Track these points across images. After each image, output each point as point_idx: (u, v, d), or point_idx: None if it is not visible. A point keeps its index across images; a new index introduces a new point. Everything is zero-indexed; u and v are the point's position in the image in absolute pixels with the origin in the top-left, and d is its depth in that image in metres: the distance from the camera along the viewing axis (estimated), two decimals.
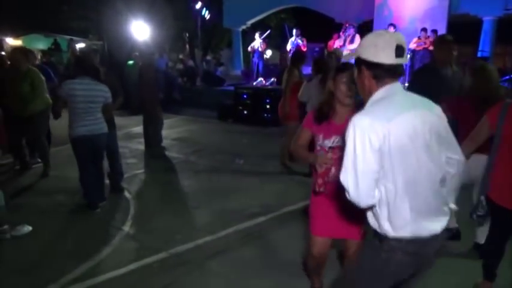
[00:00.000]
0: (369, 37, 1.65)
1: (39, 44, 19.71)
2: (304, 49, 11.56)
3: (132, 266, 3.14)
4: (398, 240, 1.62)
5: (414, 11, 11.55)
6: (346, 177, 1.58)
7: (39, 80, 5.11)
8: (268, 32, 12.30)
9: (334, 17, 13.72)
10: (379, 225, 1.65)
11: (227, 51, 22.51)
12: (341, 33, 10.94)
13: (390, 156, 1.53)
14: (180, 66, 15.30)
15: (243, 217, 4.03)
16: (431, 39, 9.74)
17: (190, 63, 14.62)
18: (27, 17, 21.41)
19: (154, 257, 3.27)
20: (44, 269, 3.12)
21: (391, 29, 9.49)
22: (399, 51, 1.58)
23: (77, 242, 3.58)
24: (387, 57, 1.58)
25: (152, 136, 6.76)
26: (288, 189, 4.94)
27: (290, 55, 11.66)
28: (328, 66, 4.96)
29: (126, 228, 3.81)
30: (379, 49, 1.59)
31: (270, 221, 3.99)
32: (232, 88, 10.39)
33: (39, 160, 5.55)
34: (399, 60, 1.60)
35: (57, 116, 4.19)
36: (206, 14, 14.79)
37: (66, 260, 3.23)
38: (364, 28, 12.40)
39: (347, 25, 10.86)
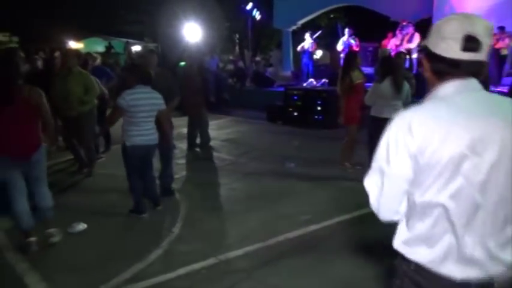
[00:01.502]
0: (440, 21, 1.30)
1: (98, 46, 20.76)
2: (357, 49, 11.15)
3: (181, 271, 3.07)
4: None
5: (478, 7, 10.70)
6: (370, 181, 1.34)
7: (90, 82, 5.24)
8: (319, 32, 12.02)
9: (389, 15, 13.08)
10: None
11: (276, 52, 22.41)
12: (397, 32, 10.42)
13: (429, 168, 1.20)
14: (229, 67, 15.42)
15: (294, 224, 3.85)
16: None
17: (240, 64, 14.67)
18: (88, 22, 22.70)
19: (203, 262, 3.19)
20: (96, 268, 3.14)
21: None
22: (470, 43, 1.19)
23: (127, 243, 3.60)
24: (448, 49, 1.22)
25: (201, 137, 6.76)
26: (341, 195, 4.68)
27: (343, 55, 11.33)
28: (398, 66, 4.66)
29: (176, 230, 3.78)
30: (440, 38, 1.24)
31: (323, 230, 3.77)
32: (282, 89, 10.22)
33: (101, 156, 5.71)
34: (468, 56, 1.20)
35: (112, 125, 4.22)
36: (257, 15, 14.72)
37: (117, 260, 3.24)
38: (422, 26, 11.73)
39: (404, 23, 10.31)
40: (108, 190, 4.88)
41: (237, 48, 20.72)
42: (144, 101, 3.87)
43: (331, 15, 19.70)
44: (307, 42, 11.15)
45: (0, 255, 3.37)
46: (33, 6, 20.04)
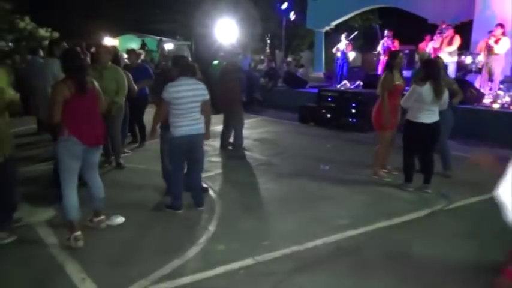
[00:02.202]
0: None
1: (133, 43, 21.19)
2: None
3: (218, 270, 3.06)
4: None
5: None
6: (507, 192, 1.26)
7: (122, 77, 5.30)
8: (355, 33, 11.81)
9: (427, 18, 12.71)
10: None
11: (307, 53, 22.25)
12: (436, 35, 10.08)
13: None
14: (261, 66, 15.41)
15: (331, 229, 3.77)
16: None
17: (273, 64, 14.63)
18: (123, 19, 23.26)
19: (241, 262, 3.16)
20: (134, 262, 3.17)
21: (499, 30, 8.48)
22: None
23: (164, 238, 3.62)
24: None
25: (235, 137, 6.75)
26: (378, 201, 4.56)
27: (382, 58, 11.09)
28: (440, 71, 4.49)
29: (212, 228, 3.77)
30: None
31: (361, 236, 3.67)
32: (314, 90, 10.12)
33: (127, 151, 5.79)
34: None
35: (160, 119, 4.17)
36: (291, 15, 14.64)
37: (155, 255, 3.26)
38: (462, 30, 11.32)
39: (444, 26, 9.97)
40: (141, 185, 4.94)
41: (267, 48, 20.70)
42: (187, 93, 3.89)
43: (367, 17, 19.34)
44: (342, 43, 10.98)
45: (42, 244, 3.46)
46: (71, 3, 20.72)
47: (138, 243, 3.51)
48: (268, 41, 20.38)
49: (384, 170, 5.27)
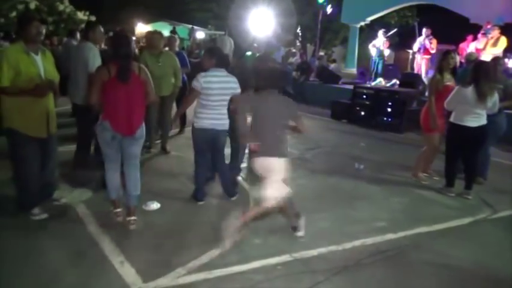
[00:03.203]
0: None
1: (164, 30, 21.32)
2: (433, 51, 10.52)
3: (256, 264, 3.01)
4: None
5: None
6: None
7: (176, 62, 5.31)
8: (394, 30, 11.46)
9: (469, 17, 12.21)
10: None
11: (339, 48, 21.87)
12: (480, 35, 9.67)
13: None
14: (292, 59, 15.20)
15: (370, 230, 3.66)
16: None
17: (305, 57, 14.41)
18: (156, 6, 23.46)
19: (278, 258, 3.11)
20: (170, 249, 3.16)
21: None
22: None
23: (200, 227, 3.60)
24: None
25: None
26: (417, 205, 4.41)
27: (419, 55, 10.75)
28: (489, 73, 4.26)
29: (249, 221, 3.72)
30: None
31: (401, 241, 3.55)
32: (348, 86, 9.90)
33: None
34: None
35: (187, 106, 4.17)
36: (328, 8, 14.36)
37: (191, 244, 3.25)
38: (507, 31, 10.80)
39: (489, 26, 9.54)
40: (177, 173, 4.94)
41: (297, 41, 20.44)
42: (218, 84, 3.82)
43: (404, 13, 18.79)
44: (380, 40, 10.67)
45: (81, 223, 3.49)
46: None
47: (173, 231, 3.50)
48: (300, 34, 20.12)
49: (424, 174, 5.08)
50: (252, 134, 3.24)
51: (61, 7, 15.52)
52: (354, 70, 14.79)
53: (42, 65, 3.34)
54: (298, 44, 20.45)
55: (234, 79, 3.95)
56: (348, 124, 8.65)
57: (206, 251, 3.12)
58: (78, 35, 8.07)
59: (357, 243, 3.42)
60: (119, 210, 3.52)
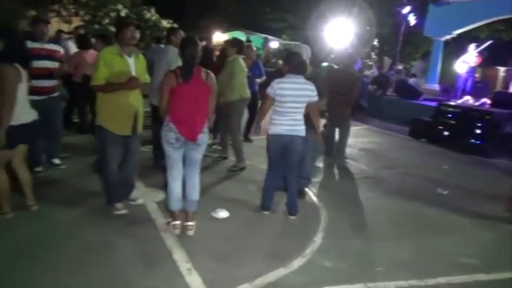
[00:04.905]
0: None
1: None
2: None
3: None
4: None
5: None
6: None
7: (239, 70, 5.28)
8: (489, 42, 10.47)
9: None
10: None
11: (419, 62, 20.63)
12: None
13: None
14: (368, 72, 14.65)
15: (456, 266, 3.26)
16: None
17: (383, 70, 13.80)
18: (233, 15, 24.17)
19: (351, 286, 2.87)
20: (238, 262, 3.07)
21: None
22: None
23: (268, 241, 3.47)
24: None
25: (340, 144, 6.38)
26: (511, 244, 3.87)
27: None
28: None
29: (318, 240, 3.52)
30: None
31: (494, 284, 3.11)
32: (430, 103, 9.23)
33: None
34: None
35: (263, 114, 4.07)
36: (412, 20, 13.62)
37: (259, 259, 3.13)
38: None
39: None
40: (245, 181, 4.88)
41: (372, 54, 19.67)
42: (292, 91, 3.70)
43: (496, 27, 17.22)
44: (471, 55, 9.82)
45: (153, 225, 3.55)
46: None
47: (242, 242, 3.41)
48: (377, 46, 19.34)
49: None
50: None
51: (148, 15, 16.55)
52: (435, 86, 13.80)
53: (134, 67, 3.51)
54: (374, 56, 19.70)
55: (311, 86, 3.81)
56: (427, 144, 8.01)
57: (273, 269, 2.98)
58: (163, 42, 8.49)
59: (442, 280, 3.05)
60: (177, 222, 3.42)
